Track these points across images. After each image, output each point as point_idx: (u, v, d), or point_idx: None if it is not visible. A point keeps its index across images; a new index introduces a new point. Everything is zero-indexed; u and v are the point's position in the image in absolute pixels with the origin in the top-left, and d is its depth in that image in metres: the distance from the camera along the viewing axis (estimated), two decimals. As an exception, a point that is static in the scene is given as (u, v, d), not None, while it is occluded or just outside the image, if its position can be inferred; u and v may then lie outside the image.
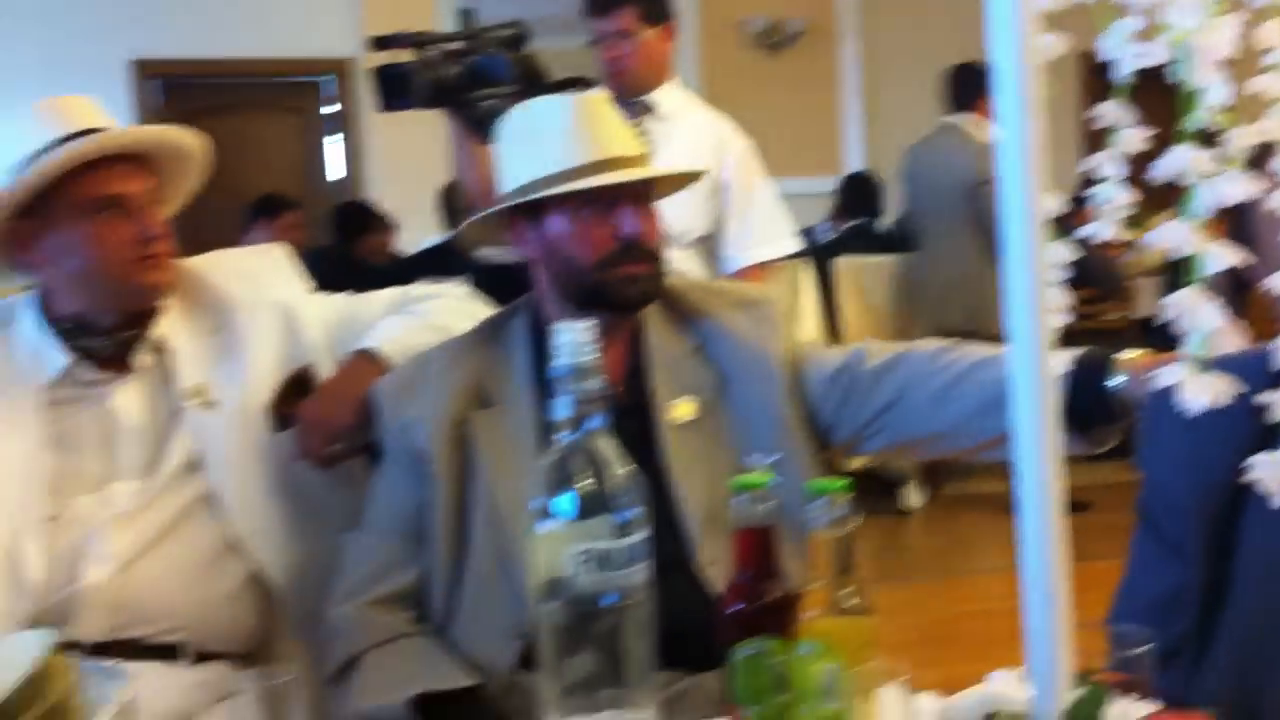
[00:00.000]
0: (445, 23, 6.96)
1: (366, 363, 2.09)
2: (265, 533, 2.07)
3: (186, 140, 2.09)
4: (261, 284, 2.19)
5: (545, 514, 1.14)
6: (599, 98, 2.01)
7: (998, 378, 1.81)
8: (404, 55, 2.48)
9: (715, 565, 1.80)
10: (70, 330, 2.04)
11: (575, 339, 1.15)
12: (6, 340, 2.06)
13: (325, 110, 8.63)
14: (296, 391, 2.14)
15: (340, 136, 8.62)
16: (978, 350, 1.89)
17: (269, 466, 2.09)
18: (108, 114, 2.07)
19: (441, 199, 6.98)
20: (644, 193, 1.92)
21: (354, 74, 8.25)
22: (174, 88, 8.13)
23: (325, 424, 2.07)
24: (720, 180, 3.47)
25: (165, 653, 1.99)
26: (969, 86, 5.72)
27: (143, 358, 2.07)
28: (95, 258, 1.98)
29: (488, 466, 1.90)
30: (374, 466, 2.05)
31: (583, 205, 1.89)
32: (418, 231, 7.30)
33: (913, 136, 6.37)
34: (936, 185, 5.86)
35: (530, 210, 1.92)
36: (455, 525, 1.91)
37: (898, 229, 6.79)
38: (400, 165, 8.03)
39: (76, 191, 1.96)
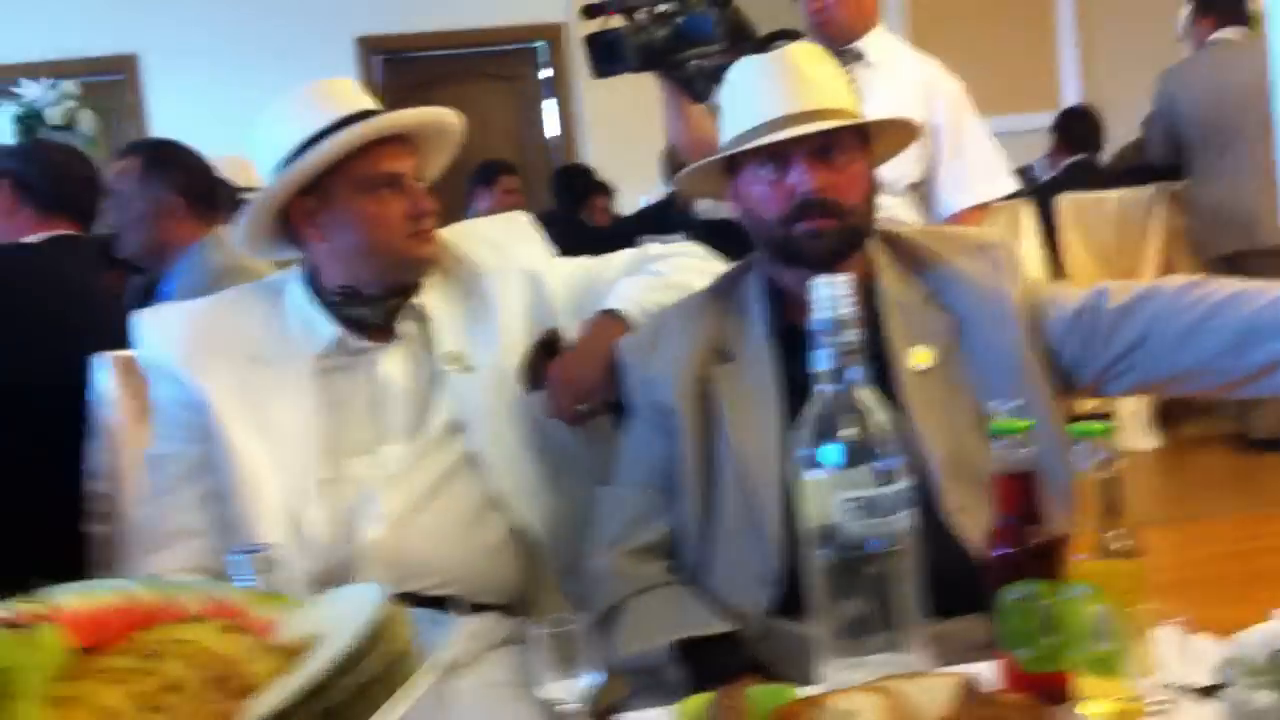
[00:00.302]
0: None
1: (610, 322, 2.17)
2: (523, 489, 2.17)
3: (450, 120, 2.20)
4: (508, 250, 2.29)
5: (811, 463, 1.18)
6: (802, 49, 2.03)
7: (1256, 310, 1.78)
8: (614, 21, 2.54)
9: (962, 512, 1.82)
10: (339, 302, 2.16)
11: (833, 293, 1.19)
12: (279, 313, 2.20)
13: (540, 76, 8.78)
14: (545, 353, 2.23)
15: (554, 101, 8.77)
16: (1230, 284, 1.84)
17: (524, 426, 2.19)
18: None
19: (665, 159, 7.06)
20: (827, 146, 1.93)
21: (566, 39, 8.38)
22: (394, 62, 8.41)
23: (574, 383, 2.15)
24: (931, 124, 3.44)
25: (440, 605, 2.10)
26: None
27: (405, 326, 2.19)
28: (371, 233, 2.10)
29: (730, 419, 1.96)
30: (622, 423, 2.13)
31: (765, 161, 1.93)
32: (633, 192, 7.41)
33: (1133, 67, 6.15)
34: (1212, 101, 5.70)
35: (731, 167, 1.98)
36: (702, 477, 1.97)
37: (1121, 162, 6.56)
38: (614, 127, 8.14)
39: (355, 170, 2.08)
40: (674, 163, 6.66)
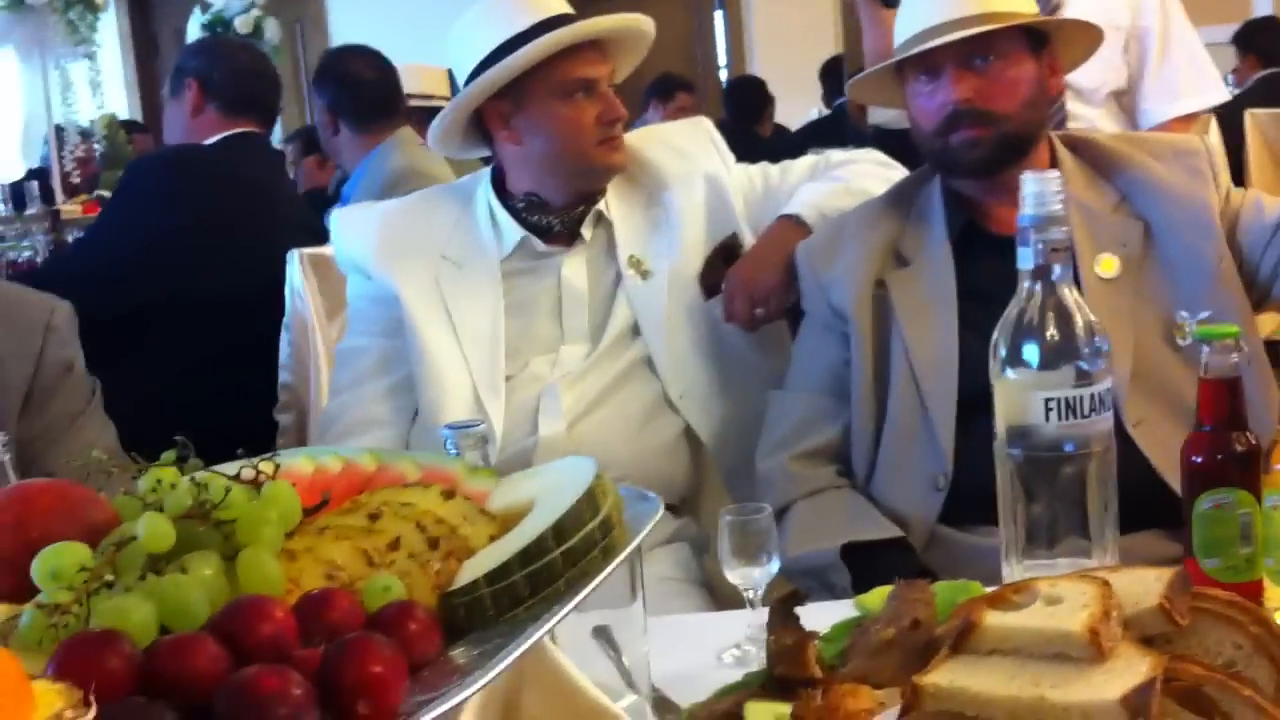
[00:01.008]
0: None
1: (790, 227, 2.16)
2: (696, 392, 2.19)
3: (646, 26, 2.20)
4: (691, 156, 2.29)
5: (1010, 361, 1.17)
6: None
7: None
8: None
9: (1142, 424, 1.78)
10: (524, 206, 2.20)
11: (1041, 188, 1.16)
12: (468, 216, 2.25)
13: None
14: (724, 259, 2.24)
15: (723, 13, 8.68)
16: None
17: (700, 330, 2.21)
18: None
19: (822, 72, 6.96)
20: (978, 52, 1.88)
21: (737, -50, 8.26)
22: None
23: (752, 287, 2.15)
24: (1138, 28, 3.29)
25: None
26: None
27: (588, 230, 2.22)
28: (563, 138, 2.13)
29: (905, 324, 1.94)
30: (797, 328, 2.13)
31: (920, 71, 1.92)
32: (796, 106, 7.32)
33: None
34: None
35: (901, 77, 1.96)
36: (876, 382, 1.96)
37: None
38: (780, 41, 8.02)
39: (553, 75, 2.10)
40: (836, 75, 6.56)
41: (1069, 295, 1.17)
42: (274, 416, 2.63)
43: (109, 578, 0.73)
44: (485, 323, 2.17)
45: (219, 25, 5.64)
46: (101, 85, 4.96)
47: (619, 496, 0.92)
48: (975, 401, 1.84)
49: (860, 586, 1.70)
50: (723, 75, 8.79)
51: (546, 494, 0.88)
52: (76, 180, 4.64)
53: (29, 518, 0.81)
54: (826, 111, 6.82)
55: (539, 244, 2.21)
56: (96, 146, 4.79)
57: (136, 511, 0.80)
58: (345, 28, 8.10)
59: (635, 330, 2.20)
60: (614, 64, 2.20)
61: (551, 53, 2.09)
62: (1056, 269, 1.17)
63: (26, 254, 3.60)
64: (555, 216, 2.20)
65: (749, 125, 6.59)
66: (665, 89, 6.54)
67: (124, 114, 6.90)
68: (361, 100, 3.40)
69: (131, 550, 0.76)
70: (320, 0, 8.37)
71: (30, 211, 3.89)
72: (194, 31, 5.61)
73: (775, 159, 2.40)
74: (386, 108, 3.42)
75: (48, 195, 4.21)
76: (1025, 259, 1.18)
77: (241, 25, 5.58)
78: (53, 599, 0.72)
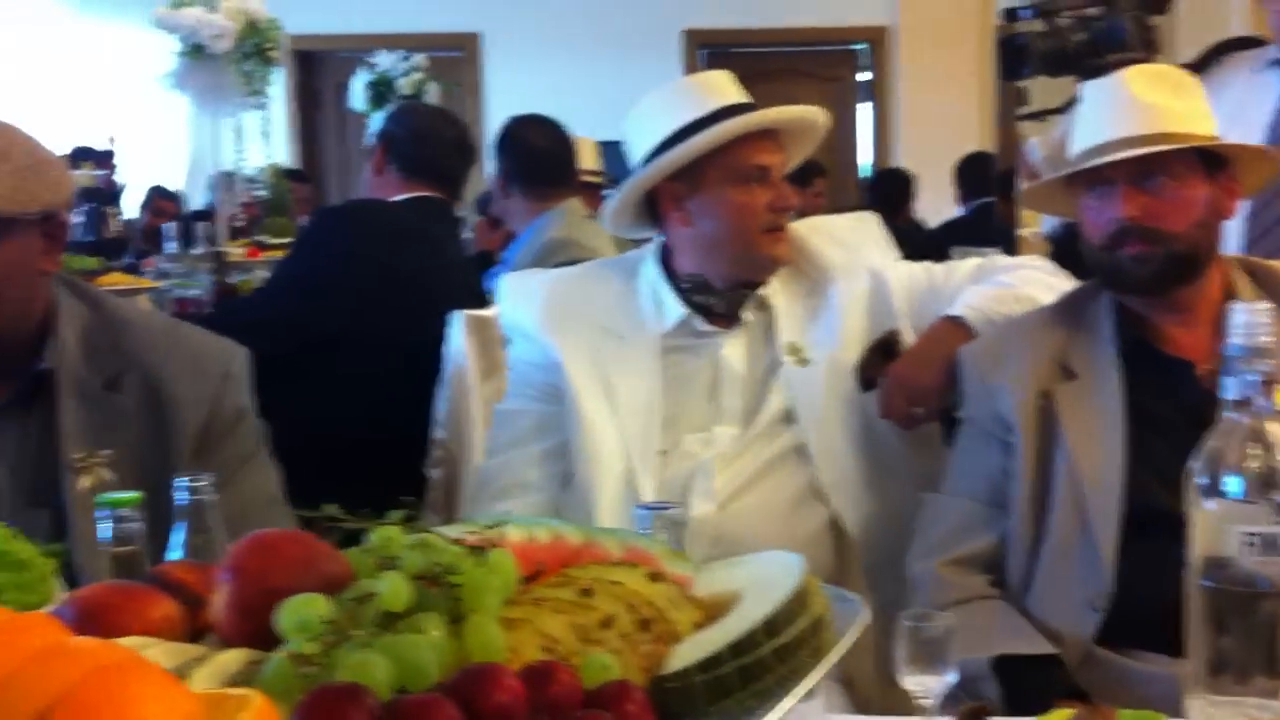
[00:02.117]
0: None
1: (953, 328, 2.15)
2: (845, 484, 2.19)
3: (820, 119, 2.24)
4: (856, 250, 2.31)
5: (1209, 492, 1.15)
6: (1142, 72, 1.98)
7: None
8: (1035, 25, 2.53)
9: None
10: (688, 287, 2.24)
11: (1251, 320, 1.15)
12: (632, 290, 2.29)
13: (859, 78, 8.75)
14: (882, 354, 2.24)
15: (870, 104, 8.72)
16: None
17: (854, 423, 2.20)
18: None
19: (960, 170, 6.94)
20: (1149, 171, 1.87)
21: (889, 42, 8.33)
22: (717, 55, 8.53)
23: (911, 385, 2.15)
24: None
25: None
26: None
27: (749, 314, 2.24)
28: (733, 223, 2.18)
29: (1071, 438, 1.91)
30: (954, 430, 2.11)
31: (1091, 186, 1.91)
32: (933, 201, 7.31)
33: None
34: None
35: (1071, 187, 1.96)
36: (1037, 494, 1.94)
37: None
38: (925, 135, 8.04)
39: (729, 160, 2.16)
40: (975, 172, 6.52)
41: (1274, 429, 1.15)
42: (425, 471, 2.68)
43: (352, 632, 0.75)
44: (642, 396, 2.20)
45: (382, 85, 5.81)
46: (270, 135, 5.16)
47: (827, 596, 0.92)
48: (1139, 522, 1.81)
49: (1011, 700, 1.68)
50: (860, 162, 8.83)
51: (754, 586, 0.89)
52: (240, 224, 4.82)
53: (272, 568, 0.84)
54: (961, 208, 6.81)
55: (700, 323, 2.24)
56: (260, 193, 4.97)
57: (368, 567, 0.83)
58: (499, 96, 8.33)
59: (789, 417, 2.20)
60: (787, 154, 2.24)
61: (730, 139, 2.15)
62: (1260, 401, 1.15)
63: (194, 292, 3.74)
64: (718, 298, 2.23)
65: (893, 217, 6.60)
66: (804, 175, 6.60)
67: (285, 162, 7.14)
68: (534, 168, 3.48)
69: (369, 606, 0.78)
70: (477, 66, 8.61)
71: (197, 251, 4.05)
72: (358, 89, 5.78)
73: (912, 253, 2.41)
74: (557, 177, 3.50)
75: (210, 236, 4.39)
76: (1229, 389, 1.17)
77: (404, 86, 5.75)
78: (299, 649, 0.75)
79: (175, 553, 1.21)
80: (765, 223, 2.18)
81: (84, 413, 1.80)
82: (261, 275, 4.11)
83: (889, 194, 6.77)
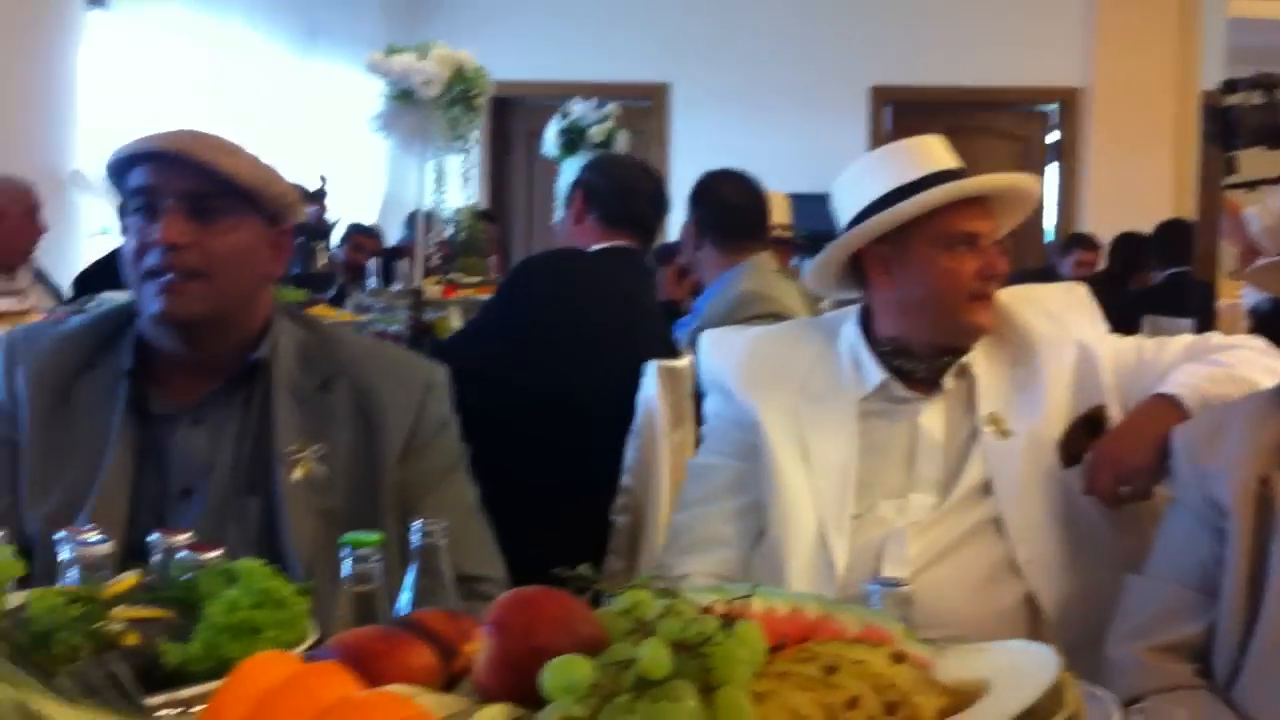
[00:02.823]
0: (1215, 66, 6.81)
1: (1166, 408, 2.09)
2: (1044, 560, 2.14)
3: (1033, 191, 2.22)
4: (1063, 321, 2.26)
5: None
6: None
7: None
8: (1252, 97, 2.48)
9: None
10: (889, 351, 2.22)
11: None
12: (832, 351, 2.28)
13: (1047, 139, 8.62)
14: (1087, 429, 2.19)
15: (1056, 165, 8.58)
16: None
17: (1055, 498, 2.16)
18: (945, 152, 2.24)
19: (1156, 237, 6.76)
20: None
21: (1080, 103, 8.19)
22: (903, 112, 8.49)
23: (1119, 463, 2.09)
24: None
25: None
26: None
27: (950, 381, 2.22)
28: (939, 289, 2.16)
29: None
30: (1164, 512, 2.05)
31: None
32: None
33: None
34: None
35: None
36: (1250, 585, 1.86)
37: None
38: (1114, 200, 7.88)
39: (939, 226, 2.15)
40: (1171, 240, 6.35)
41: None
42: (610, 517, 2.71)
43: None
44: (838, 459, 2.18)
45: (574, 132, 5.93)
46: (471, 178, 5.31)
47: (1078, 688, 0.90)
48: (1359, 619, 1.73)
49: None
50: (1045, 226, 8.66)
51: (1004, 676, 0.88)
52: (435, 263, 4.96)
53: (535, 626, 0.87)
54: (1157, 276, 6.63)
55: (900, 388, 2.22)
56: (453, 233, 5.11)
57: (620, 630, 0.84)
58: (685, 144, 8.43)
59: (987, 488, 2.17)
60: (996, 221, 2.21)
61: (941, 204, 2.13)
62: None
63: (395, 328, 3.86)
64: (918, 363, 2.21)
65: (1126, 282, 6.49)
66: (1069, 245, 6.58)
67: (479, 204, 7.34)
68: (728, 222, 3.52)
69: (629, 672, 0.79)
70: (665, 116, 8.72)
71: (396, 288, 4.18)
72: (550, 138, 5.91)
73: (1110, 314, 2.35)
74: (750, 232, 3.53)
75: (408, 274, 4.53)
76: None
77: (596, 134, 5.86)
78: (568, 712, 0.76)
79: (406, 593, 1.25)
80: (972, 290, 2.16)
81: (297, 408, 1.90)
82: (455, 313, 4.22)
83: (1128, 258, 6.65)
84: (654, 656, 0.79)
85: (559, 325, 2.94)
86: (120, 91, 6.51)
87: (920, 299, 2.18)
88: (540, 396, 2.89)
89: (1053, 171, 8.61)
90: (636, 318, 3.06)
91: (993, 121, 8.64)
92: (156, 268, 1.85)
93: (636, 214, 3.20)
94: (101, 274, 5.23)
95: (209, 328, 1.91)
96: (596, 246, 3.13)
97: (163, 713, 0.74)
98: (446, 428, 2.04)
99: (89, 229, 6.19)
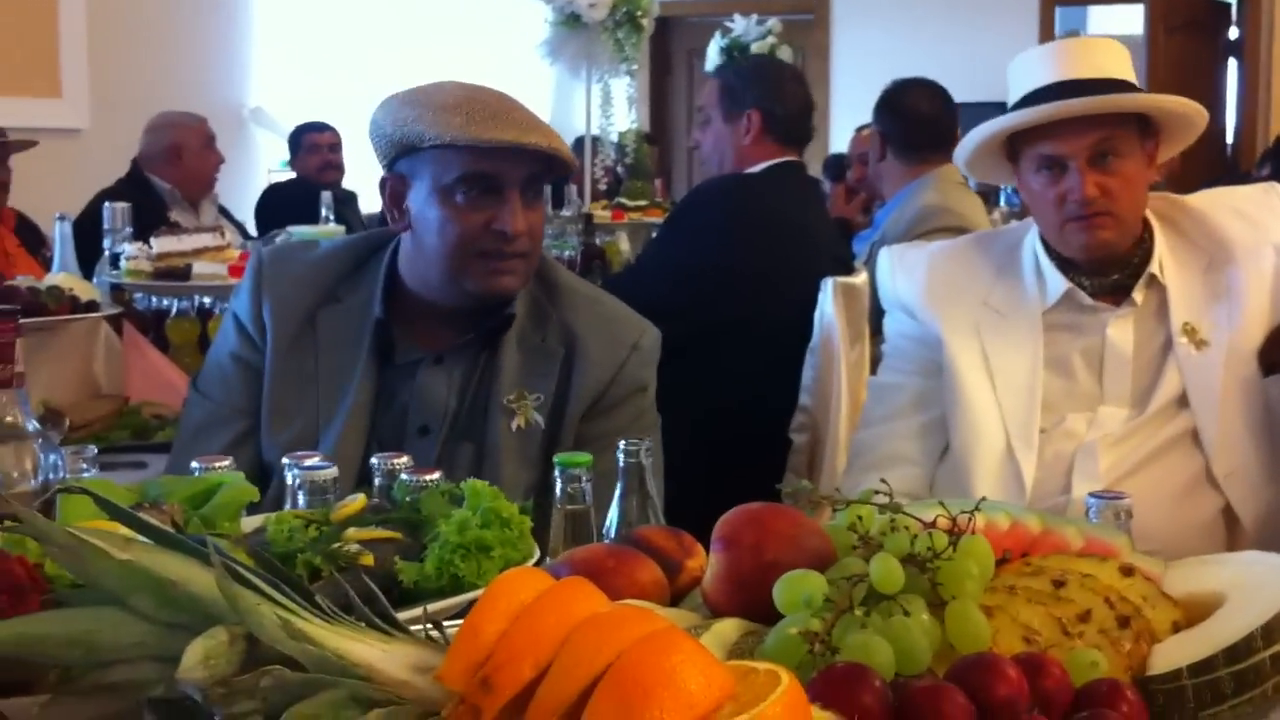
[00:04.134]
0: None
1: None
2: (1244, 473, 2.08)
3: (1198, 118, 2.13)
4: (1262, 226, 2.17)
5: None
6: None
7: None
8: None
9: None
10: (1067, 262, 2.16)
11: None
12: (1013, 264, 2.23)
13: (1229, 35, 8.24)
14: (1289, 337, 2.11)
15: (1236, 63, 8.21)
16: None
17: (1255, 409, 2.09)
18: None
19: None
20: None
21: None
22: (1074, 14, 8.18)
23: None
24: None
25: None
26: None
27: (1139, 294, 2.15)
28: (1035, 210, 2.15)
29: None
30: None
31: None
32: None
33: None
34: None
35: None
36: None
37: None
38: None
39: (1026, 147, 2.10)
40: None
41: None
42: (789, 435, 2.71)
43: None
44: (1023, 373, 2.14)
45: (736, 49, 5.87)
46: (635, 100, 5.30)
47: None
48: None
49: None
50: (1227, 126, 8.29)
51: (1241, 590, 0.86)
52: (603, 187, 4.97)
53: (766, 541, 0.88)
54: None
55: (1084, 298, 2.15)
56: (619, 157, 5.11)
57: (846, 545, 0.85)
58: (846, 60, 8.26)
59: (1183, 400, 2.10)
60: (1087, 140, 2.10)
61: (1017, 128, 2.07)
62: None
63: (568, 253, 3.89)
64: (1097, 277, 2.14)
65: None
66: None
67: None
68: (912, 132, 3.45)
69: (860, 586, 0.80)
70: (826, 29, 8.55)
71: (566, 213, 4.21)
72: (713, 55, 5.86)
73: None
74: (935, 142, 3.46)
75: (576, 199, 4.56)
76: None
77: (758, 50, 5.79)
78: (806, 625, 0.77)
79: (614, 511, 1.27)
80: (1066, 213, 2.08)
81: (521, 358, 1.93)
82: (624, 236, 4.24)
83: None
84: (886, 571, 0.80)
85: (735, 257, 2.92)
86: (294, 26, 6.66)
87: (1036, 216, 2.14)
88: (718, 326, 2.89)
89: (1233, 67, 8.23)
90: (812, 238, 3.03)
91: (1168, 17, 8.27)
92: (497, 249, 1.88)
93: (809, 130, 3.16)
94: (281, 206, 5.40)
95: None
96: (763, 164, 3.09)
97: (416, 628, 0.77)
98: (642, 392, 2.02)
99: (267, 164, 6.38)
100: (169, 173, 4.74)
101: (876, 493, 0.93)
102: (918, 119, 3.45)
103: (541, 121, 1.90)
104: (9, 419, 1.23)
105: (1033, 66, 2.15)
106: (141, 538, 0.81)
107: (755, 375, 2.84)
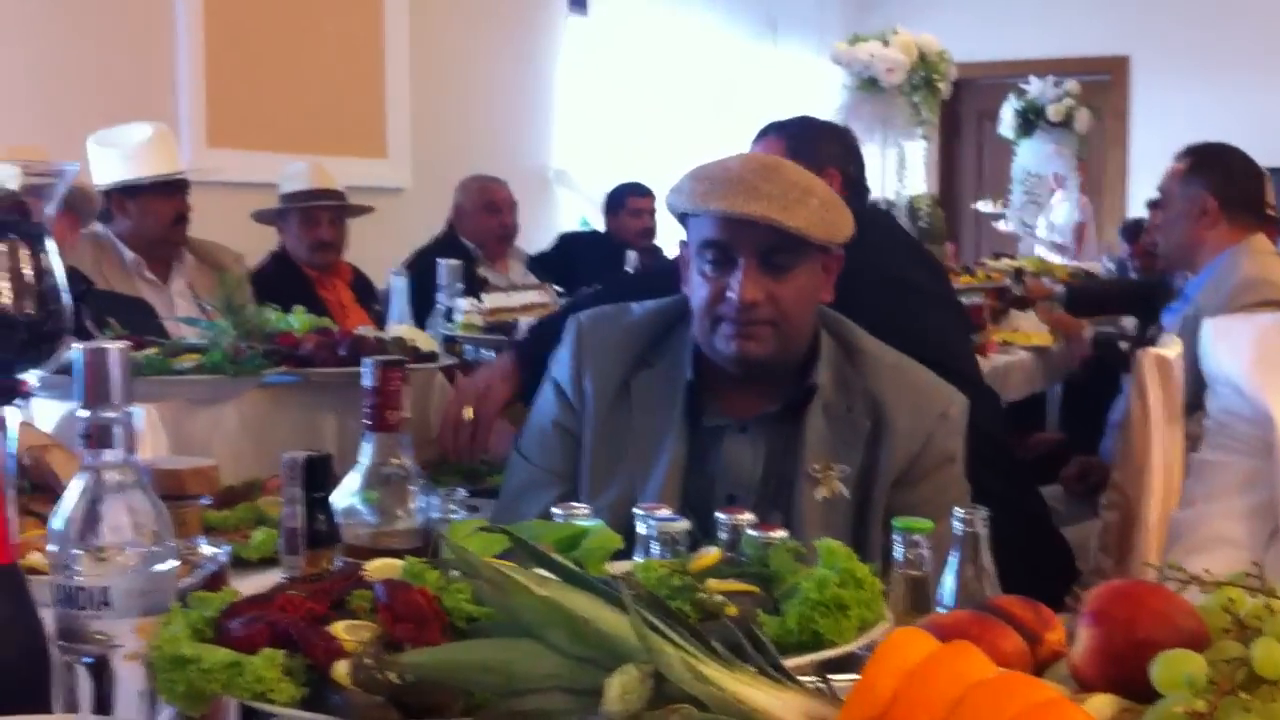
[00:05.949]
0: None
1: None
2: None
3: None
4: None
5: None
6: None
7: None
8: None
9: None
10: None
11: None
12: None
13: None
14: None
15: None
16: None
17: None
18: None
19: None
20: None
21: None
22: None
23: None
24: None
25: None
26: None
27: None
28: None
29: None
30: None
31: None
32: None
33: None
34: None
35: None
36: None
37: None
38: None
39: None
40: None
41: None
42: (1098, 513, 2.65)
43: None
44: None
45: (1031, 112, 5.79)
46: (930, 164, 5.30)
47: None
48: None
49: None
50: None
51: None
52: (900, 251, 4.95)
53: (1140, 618, 0.90)
54: None
55: None
56: (914, 221, 5.11)
57: (1218, 626, 0.86)
58: (1146, 120, 8.01)
59: None
60: None
61: None
62: None
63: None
64: None
65: None
66: None
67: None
68: (1235, 195, 3.34)
69: (1240, 669, 0.81)
70: (1125, 92, 8.31)
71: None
72: (1008, 117, 5.80)
73: None
74: (1254, 208, 3.34)
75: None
76: None
77: (1053, 114, 5.70)
78: (1190, 704, 0.79)
79: (949, 579, 1.30)
80: None
81: (827, 429, 1.97)
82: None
83: None
84: (1269, 655, 0.81)
85: None
86: (594, 92, 6.96)
87: None
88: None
89: None
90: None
91: None
92: (731, 316, 1.94)
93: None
94: (578, 258, 5.61)
95: (774, 363, 2.00)
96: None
97: (806, 679, 0.83)
98: (951, 463, 2.02)
99: (569, 222, 6.67)
100: (473, 231, 5.03)
101: (1248, 575, 0.93)
102: (1240, 181, 3.33)
103: (791, 192, 1.89)
104: (394, 460, 1.35)
105: None
106: (554, 576, 0.90)
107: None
